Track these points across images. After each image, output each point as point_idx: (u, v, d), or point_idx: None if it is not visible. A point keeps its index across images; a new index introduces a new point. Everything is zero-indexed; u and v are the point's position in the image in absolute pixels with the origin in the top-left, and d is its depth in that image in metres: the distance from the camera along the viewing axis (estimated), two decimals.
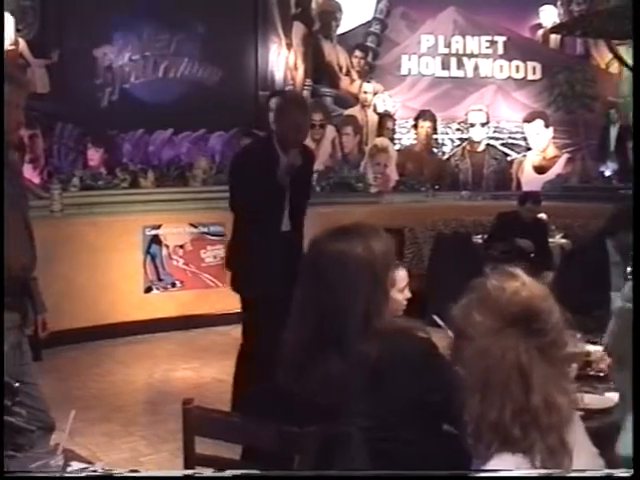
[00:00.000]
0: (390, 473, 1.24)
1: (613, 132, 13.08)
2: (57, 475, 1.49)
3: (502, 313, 2.05)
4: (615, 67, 13.54)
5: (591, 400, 3.73)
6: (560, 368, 2.06)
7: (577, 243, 8.38)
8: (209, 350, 8.58)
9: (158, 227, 9.71)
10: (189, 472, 1.86)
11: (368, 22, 13.10)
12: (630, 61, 13.17)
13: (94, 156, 10.23)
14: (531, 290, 2.09)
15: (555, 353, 2.05)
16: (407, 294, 3.07)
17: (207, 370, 8.03)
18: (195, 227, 9.92)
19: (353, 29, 12.99)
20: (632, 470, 1.06)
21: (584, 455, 2.12)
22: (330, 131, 12.29)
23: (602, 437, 2.63)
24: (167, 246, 9.80)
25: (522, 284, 2.10)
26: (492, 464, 1.97)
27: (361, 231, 2.91)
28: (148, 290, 9.68)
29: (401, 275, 3.02)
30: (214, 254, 9.67)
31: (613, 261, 5.47)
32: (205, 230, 9.91)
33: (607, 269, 5.44)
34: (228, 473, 1.58)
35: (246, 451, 3.60)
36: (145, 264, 9.66)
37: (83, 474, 1.52)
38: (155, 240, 9.71)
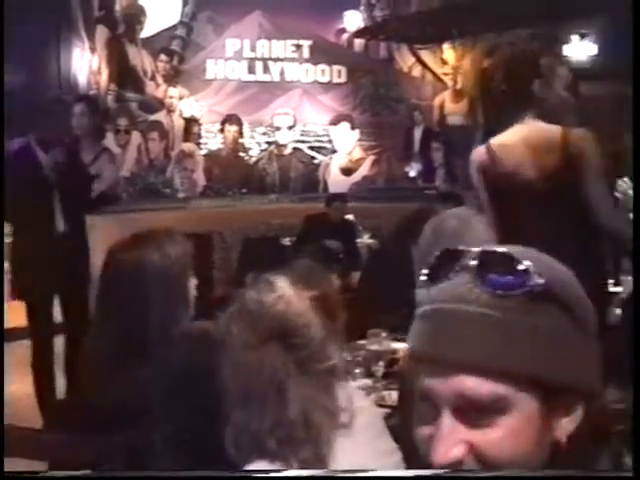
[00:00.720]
0: (388, 473, 1.20)
1: (417, 134, 13.37)
2: (58, 475, 1.43)
3: (259, 327, 2.02)
4: (418, 70, 13.90)
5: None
6: (322, 381, 2.04)
7: (383, 242, 8.51)
8: (13, 365, 8.31)
9: None
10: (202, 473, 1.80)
11: (174, 26, 12.98)
12: (432, 64, 13.54)
13: None
14: (288, 303, 2.06)
15: (315, 367, 2.03)
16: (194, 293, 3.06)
17: (11, 386, 7.78)
18: None
19: (158, 33, 12.85)
20: (632, 470, 1.06)
21: (376, 453, 2.12)
22: (136, 137, 12.11)
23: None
24: None
25: (279, 297, 2.06)
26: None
27: (156, 237, 2.88)
28: None
29: None
30: None
31: (416, 260, 5.57)
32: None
33: (412, 268, 5.54)
34: (241, 474, 1.53)
35: (54, 467, 3.51)
36: None
37: (86, 474, 1.47)
38: None
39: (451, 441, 1.20)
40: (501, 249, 1.26)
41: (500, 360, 1.20)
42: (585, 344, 1.25)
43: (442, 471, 1.18)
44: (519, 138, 4.21)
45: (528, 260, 1.23)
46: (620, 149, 11.29)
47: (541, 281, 1.22)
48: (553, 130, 4.08)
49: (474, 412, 1.21)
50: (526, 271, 1.22)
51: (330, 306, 2.15)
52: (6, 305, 8.97)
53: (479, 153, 4.36)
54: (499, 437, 1.20)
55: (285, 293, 2.07)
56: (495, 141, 4.31)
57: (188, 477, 1.53)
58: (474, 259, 1.25)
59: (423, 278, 1.32)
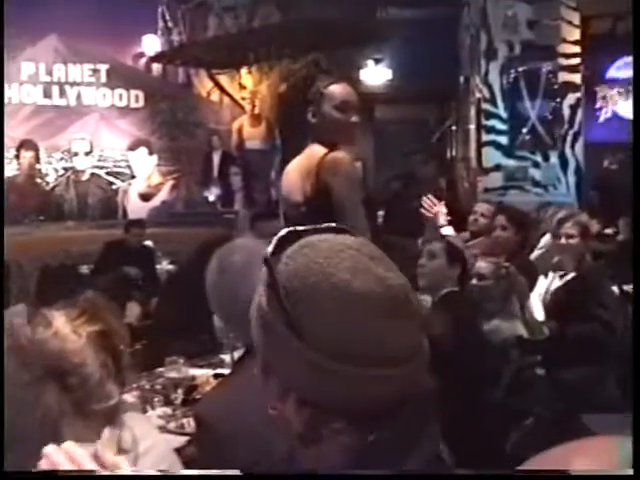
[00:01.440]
0: (386, 472, 1.20)
1: (216, 158, 13.40)
2: (58, 475, 1.36)
3: (33, 365, 1.95)
4: (216, 95, 13.94)
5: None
6: (99, 422, 1.98)
7: (181, 268, 8.50)
8: None
9: None
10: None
11: None
12: (230, 89, 13.61)
13: None
14: (64, 340, 1.98)
15: (93, 408, 1.97)
16: None
17: None
18: None
19: None
20: (632, 470, 1.09)
21: None
22: None
23: None
24: None
25: (54, 333, 2.00)
26: None
27: None
28: None
29: None
30: None
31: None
32: None
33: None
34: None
35: None
36: None
37: (86, 474, 1.39)
38: None
39: None
40: None
41: None
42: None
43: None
44: (294, 164, 4.34)
45: None
46: (413, 170, 11.66)
47: None
48: (315, 155, 4.20)
49: None
50: None
51: (113, 342, 2.10)
52: None
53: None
54: None
55: (60, 330, 2.00)
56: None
57: (189, 477, 1.53)
58: None
59: None
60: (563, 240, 5.82)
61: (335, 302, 1.32)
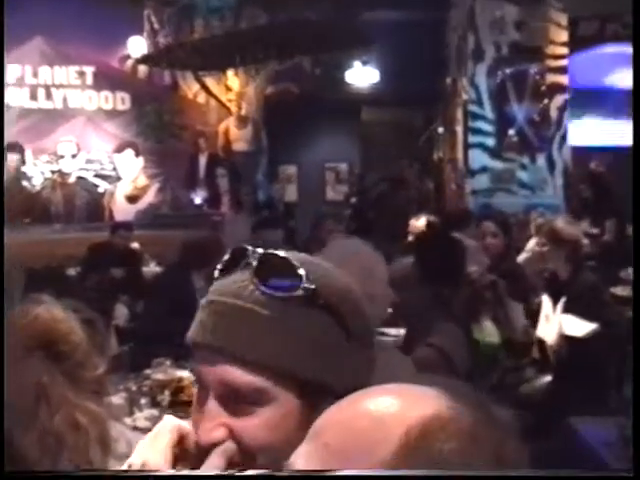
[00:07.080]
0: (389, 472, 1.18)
1: (202, 160, 13.38)
2: (58, 475, 1.38)
3: (24, 338, 2.03)
4: (202, 97, 13.91)
5: None
6: (88, 388, 2.05)
7: (167, 270, 8.46)
8: None
9: None
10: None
11: None
12: (216, 91, 13.60)
13: None
14: (52, 313, 2.07)
15: (81, 375, 2.04)
16: None
17: None
18: None
19: None
20: (632, 470, 1.06)
21: None
22: None
23: None
24: None
25: (44, 308, 2.08)
26: None
27: None
28: None
29: None
30: None
31: (198, 287, 5.66)
32: None
33: (193, 295, 5.56)
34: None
35: None
36: None
37: (88, 473, 1.41)
38: None
39: (212, 424, 1.27)
40: (282, 253, 1.35)
41: (260, 354, 1.29)
42: (354, 351, 1.34)
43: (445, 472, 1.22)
44: None
45: (305, 267, 1.32)
46: (400, 173, 11.68)
47: (311, 287, 1.30)
48: None
49: (235, 400, 1.30)
50: (300, 277, 1.31)
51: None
52: None
53: None
54: (255, 426, 1.29)
55: (49, 304, 2.07)
56: None
57: (190, 476, 1.53)
58: (256, 259, 1.34)
59: (217, 273, 1.39)
60: (537, 248, 5.71)
61: None
